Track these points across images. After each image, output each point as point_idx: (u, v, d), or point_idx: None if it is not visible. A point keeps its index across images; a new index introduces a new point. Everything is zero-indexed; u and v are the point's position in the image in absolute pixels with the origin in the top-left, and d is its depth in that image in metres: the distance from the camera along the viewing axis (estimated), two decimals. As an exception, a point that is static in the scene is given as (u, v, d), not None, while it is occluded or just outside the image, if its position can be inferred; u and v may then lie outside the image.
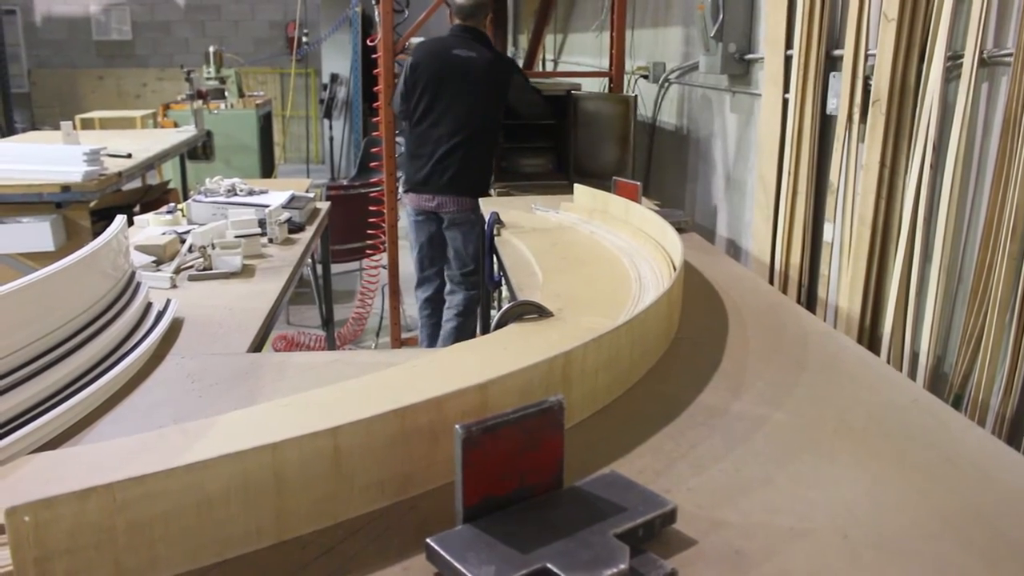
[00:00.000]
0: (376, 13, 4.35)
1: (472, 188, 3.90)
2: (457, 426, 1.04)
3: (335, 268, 4.93)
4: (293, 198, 3.18)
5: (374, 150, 4.88)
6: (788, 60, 3.24)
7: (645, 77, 4.87)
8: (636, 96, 4.58)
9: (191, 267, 2.37)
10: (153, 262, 2.38)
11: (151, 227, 2.87)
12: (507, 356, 1.51)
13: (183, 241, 2.54)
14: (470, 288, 4.09)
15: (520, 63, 8.21)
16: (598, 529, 1.04)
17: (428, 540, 1.03)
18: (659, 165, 4.96)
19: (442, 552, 1.00)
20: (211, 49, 8.04)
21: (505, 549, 1.00)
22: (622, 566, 0.97)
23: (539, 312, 1.86)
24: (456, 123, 3.92)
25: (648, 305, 1.66)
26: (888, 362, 2.55)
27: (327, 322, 4.41)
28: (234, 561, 1.03)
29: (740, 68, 3.71)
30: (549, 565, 0.97)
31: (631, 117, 4.25)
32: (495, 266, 2.93)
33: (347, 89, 9.75)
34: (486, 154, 4.01)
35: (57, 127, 4.68)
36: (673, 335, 1.86)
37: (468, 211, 3.90)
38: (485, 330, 3.76)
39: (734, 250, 3.88)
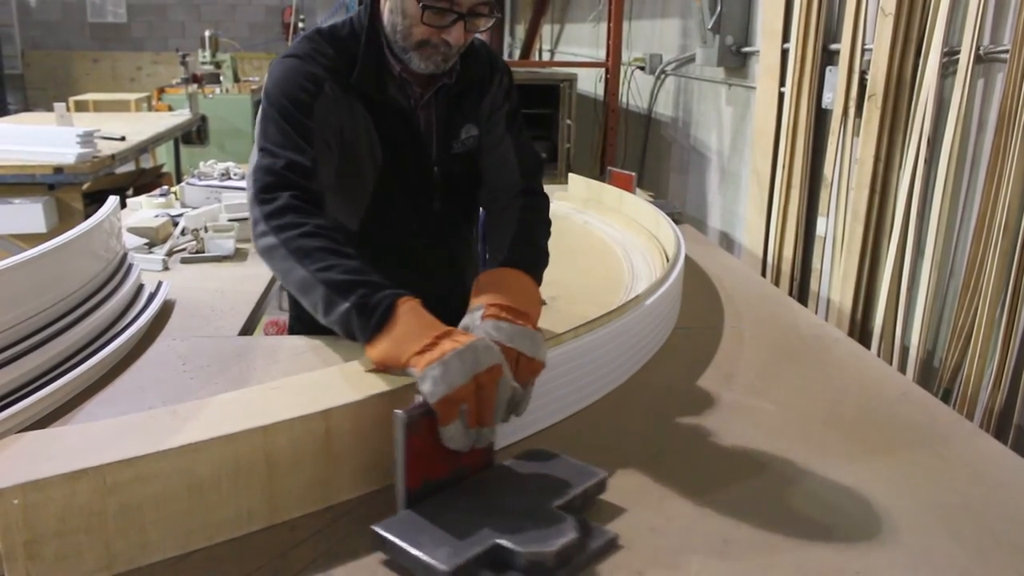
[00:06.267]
0: None
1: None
2: (398, 411, 1.03)
3: (328, 255, 4.91)
4: (287, 183, 3.16)
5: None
6: (784, 53, 3.24)
7: (641, 68, 4.86)
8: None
9: (183, 250, 2.36)
10: (145, 244, 2.38)
11: (144, 209, 2.86)
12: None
13: (176, 224, 2.54)
14: None
15: (516, 53, 8.02)
16: (539, 503, 1.05)
17: (374, 527, 1.00)
18: (654, 156, 4.96)
19: (392, 538, 0.98)
20: (207, 33, 8.01)
21: (454, 530, 0.99)
22: (573, 535, 0.98)
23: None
24: None
25: (638, 295, 1.66)
26: (879, 355, 2.56)
27: (320, 308, 4.39)
28: (224, 544, 1.03)
29: (736, 61, 3.70)
30: (501, 542, 0.97)
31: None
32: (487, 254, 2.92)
33: (343, 76, 9.70)
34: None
35: (50, 109, 4.66)
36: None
37: None
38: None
39: (727, 242, 3.89)
